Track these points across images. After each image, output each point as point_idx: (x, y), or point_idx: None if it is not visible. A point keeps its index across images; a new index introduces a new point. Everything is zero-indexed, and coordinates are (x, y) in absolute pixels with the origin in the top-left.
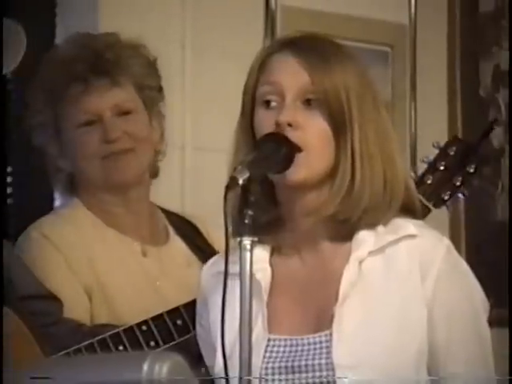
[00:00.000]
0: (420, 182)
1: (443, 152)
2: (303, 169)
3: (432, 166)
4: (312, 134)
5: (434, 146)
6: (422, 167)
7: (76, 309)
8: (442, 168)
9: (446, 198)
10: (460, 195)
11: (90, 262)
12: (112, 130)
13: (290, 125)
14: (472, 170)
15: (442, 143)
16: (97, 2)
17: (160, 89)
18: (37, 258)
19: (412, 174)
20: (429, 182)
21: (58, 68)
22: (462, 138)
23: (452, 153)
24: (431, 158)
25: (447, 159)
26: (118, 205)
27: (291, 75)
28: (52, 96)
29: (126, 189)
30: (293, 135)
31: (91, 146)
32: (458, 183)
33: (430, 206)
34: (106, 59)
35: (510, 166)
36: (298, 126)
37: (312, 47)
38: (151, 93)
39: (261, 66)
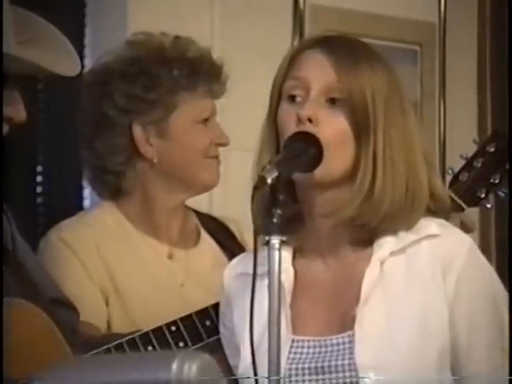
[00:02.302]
0: (455, 179)
1: (482, 149)
2: (319, 167)
3: (469, 164)
4: (329, 132)
5: (475, 142)
6: (461, 164)
7: (93, 313)
8: (479, 165)
9: (482, 195)
10: (500, 193)
11: (109, 266)
12: (225, 136)
13: (310, 120)
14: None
15: (482, 140)
16: (126, 3)
17: None
18: (54, 262)
19: (449, 170)
20: (464, 179)
21: (203, 65)
22: (501, 134)
23: (492, 149)
24: (469, 155)
25: (485, 156)
26: (164, 205)
27: (318, 71)
28: (188, 85)
29: (202, 192)
30: (311, 131)
31: (204, 144)
32: (497, 181)
33: (463, 204)
34: (220, 68)
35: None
36: (318, 122)
37: (342, 46)
38: None
39: (290, 62)
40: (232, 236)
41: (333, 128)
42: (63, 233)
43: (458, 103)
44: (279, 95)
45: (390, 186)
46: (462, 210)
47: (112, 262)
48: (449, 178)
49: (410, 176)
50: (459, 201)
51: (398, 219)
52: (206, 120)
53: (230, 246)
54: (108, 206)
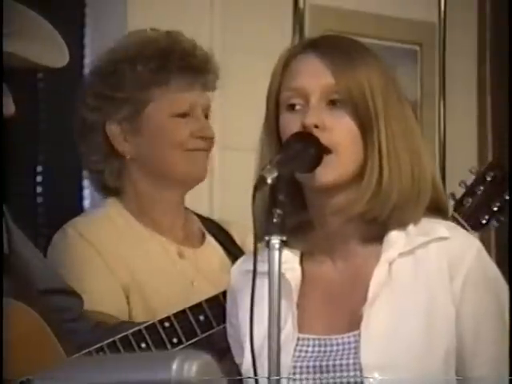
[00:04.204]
0: (459, 204)
1: (481, 177)
2: (333, 170)
3: (471, 190)
4: (340, 134)
5: (471, 172)
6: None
7: (114, 308)
8: (480, 192)
9: (484, 222)
10: (494, 222)
11: (127, 261)
12: (208, 128)
13: (316, 126)
14: (507, 197)
15: (480, 168)
16: (126, 3)
17: None
18: (74, 256)
19: (462, 184)
20: (468, 204)
21: (173, 56)
22: (499, 163)
23: (489, 178)
24: (468, 181)
25: (485, 184)
26: (162, 202)
27: (314, 77)
28: (156, 79)
29: (190, 186)
30: (321, 137)
31: (181, 137)
32: (496, 209)
33: (469, 228)
34: (212, 61)
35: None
36: (325, 127)
37: (334, 46)
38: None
39: (283, 70)
40: (232, 240)
41: (341, 130)
42: (82, 229)
43: (457, 103)
44: (277, 105)
45: (396, 178)
46: None
47: (129, 258)
48: (460, 189)
49: (415, 163)
50: (466, 225)
51: (406, 209)
52: (185, 113)
53: (232, 249)
54: (112, 202)
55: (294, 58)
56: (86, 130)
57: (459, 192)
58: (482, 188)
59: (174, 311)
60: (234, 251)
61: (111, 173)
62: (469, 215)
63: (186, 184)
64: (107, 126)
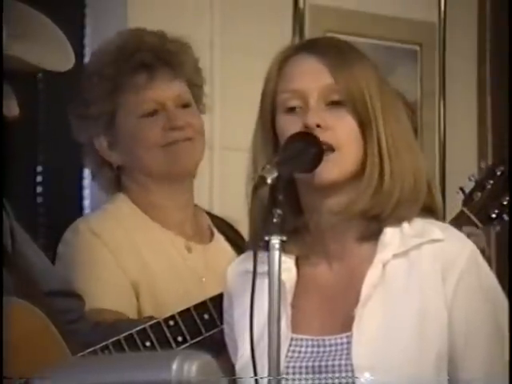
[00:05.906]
0: (469, 198)
1: (490, 172)
2: (336, 168)
3: (480, 184)
4: (343, 133)
5: (480, 167)
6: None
7: (122, 305)
8: (489, 187)
9: (494, 216)
10: (505, 216)
11: (137, 257)
12: (177, 119)
13: (318, 126)
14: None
15: (489, 164)
16: (126, 3)
17: (202, 89)
18: (84, 253)
19: (471, 177)
20: (477, 199)
21: (121, 58)
22: (508, 159)
23: (499, 173)
24: (477, 176)
25: (494, 178)
26: (167, 198)
27: (311, 77)
28: (113, 86)
29: (182, 179)
30: (324, 136)
31: (153, 135)
32: (505, 202)
33: (479, 223)
34: (169, 50)
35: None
36: (327, 126)
37: (328, 46)
38: (198, 91)
39: (279, 72)
40: (241, 238)
41: (343, 128)
42: (93, 225)
43: (457, 103)
44: (273, 107)
45: (398, 175)
46: (477, 228)
47: (139, 254)
48: (466, 183)
49: (413, 160)
50: (475, 219)
51: (406, 206)
52: (153, 111)
53: (242, 247)
54: (122, 198)
55: (287, 60)
56: (83, 154)
57: (456, 189)
58: (491, 182)
59: (181, 308)
60: (242, 247)
61: (106, 182)
62: (478, 209)
63: (175, 179)
64: (95, 141)
